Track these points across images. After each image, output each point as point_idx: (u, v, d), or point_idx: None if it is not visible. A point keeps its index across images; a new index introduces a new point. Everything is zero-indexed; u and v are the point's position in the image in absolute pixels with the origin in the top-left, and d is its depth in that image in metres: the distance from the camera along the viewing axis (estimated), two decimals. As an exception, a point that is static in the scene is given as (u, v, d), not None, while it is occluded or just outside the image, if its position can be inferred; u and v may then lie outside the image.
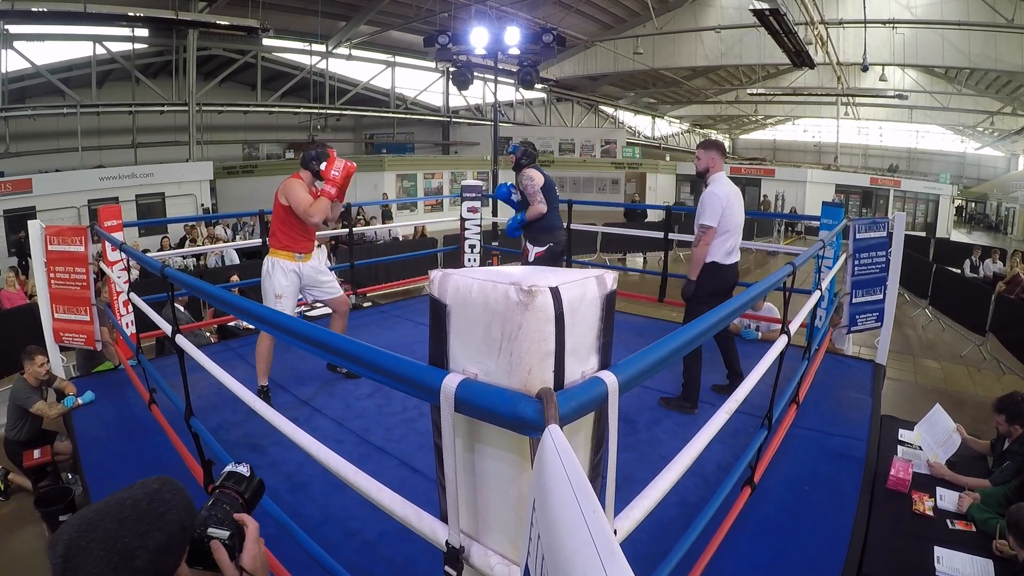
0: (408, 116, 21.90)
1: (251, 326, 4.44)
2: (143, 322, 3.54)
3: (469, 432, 1.04)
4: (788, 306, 2.55)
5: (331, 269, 4.18)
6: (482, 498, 1.06)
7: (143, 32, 14.73)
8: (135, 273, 7.08)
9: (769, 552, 2.23)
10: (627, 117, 29.91)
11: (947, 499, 2.63)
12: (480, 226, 5.94)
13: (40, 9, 11.98)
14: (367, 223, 13.78)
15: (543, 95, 24.30)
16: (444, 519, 1.16)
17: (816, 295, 3.08)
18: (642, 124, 30.89)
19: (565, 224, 4.85)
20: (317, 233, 3.54)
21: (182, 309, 5.55)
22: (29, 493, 3.86)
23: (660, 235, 5.64)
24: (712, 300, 2.95)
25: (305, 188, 3.31)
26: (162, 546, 0.72)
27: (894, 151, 29.18)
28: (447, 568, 1.09)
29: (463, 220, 5.89)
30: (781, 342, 2.28)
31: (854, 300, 4.22)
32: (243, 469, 1.12)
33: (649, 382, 3.42)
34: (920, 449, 3.04)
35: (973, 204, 28.65)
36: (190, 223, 12.48)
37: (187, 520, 0.78)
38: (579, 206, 5.78)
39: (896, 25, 15.60)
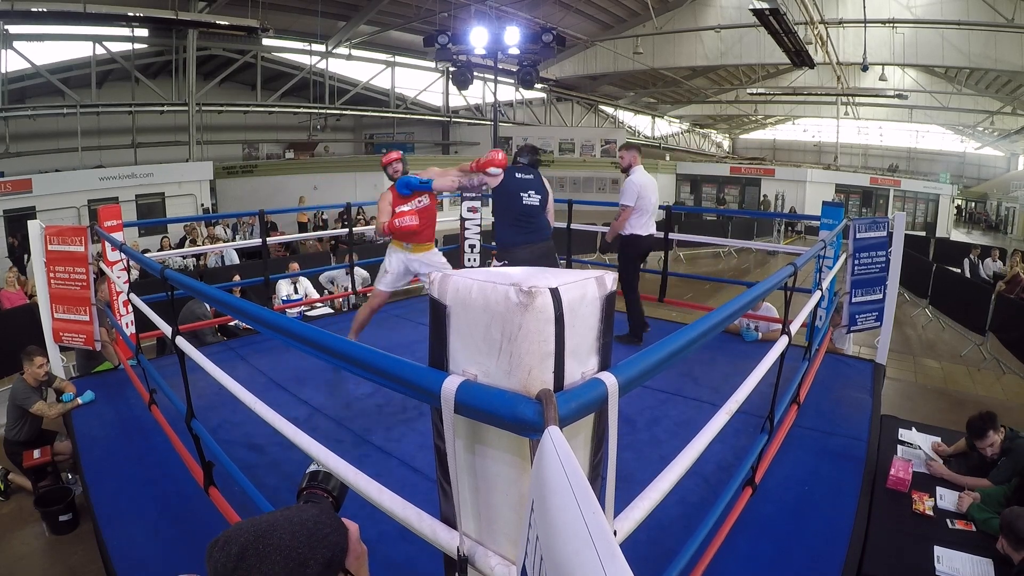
0: (408, 116, 21.87)
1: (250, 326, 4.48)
2: (143, 322, 3.54)
3: (470, 434, 1.04)
4: (789, 306, 2.55)
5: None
6: (483, 499, 1.06)
7: (143, 32, 14.70)
8: (135, 273, 7.08)
9: (769, 552, 2.23)
10: (627, 117, 29.88)
11: (947, 499, 2.64)
12: (480, 226, 5.93)
13: (40, 9, 11.96)
14: (367, 223, 13.77)
15: (543, 95, 24.28)
16: (444, 520, 1.16)
17: (816, 295, 3.08)
18: (642, 124, 30.87)
19: (565, 230, 5.03)
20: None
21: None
22: (29, 493, 3.85)
23: (660, 235, 5.63)
24: (636, 260, 4.58)
25: (389, 199, 3.87)
26: (328, 561, 0.77)
27: (894, 151, 29.15)
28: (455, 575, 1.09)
29: (463, 220, 5.88)
30: (782, 343, 2.28)
31: (854, 300, 4.22)
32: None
33: (649, 382, 3.41)
34: (920, 449, 3.04)
35: (973, 204, 28.63)
36: (190, 223, 12.47)
37: (344, 543, 0.82)
38: (579, 206, 5.77)
39: (896, 25, 15.59)
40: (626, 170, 4.41)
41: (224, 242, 11.62)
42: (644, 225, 4.44)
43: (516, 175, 3.79)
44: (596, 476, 1.10)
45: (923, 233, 17.86)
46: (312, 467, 1.08)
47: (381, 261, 3.77)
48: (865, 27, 15.50)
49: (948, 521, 2.49)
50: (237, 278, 7.16)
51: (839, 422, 3.30)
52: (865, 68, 16.08)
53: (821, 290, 3.24)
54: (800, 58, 15.09)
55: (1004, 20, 13.72)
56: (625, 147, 4.48)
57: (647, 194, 4.38)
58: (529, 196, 3.79)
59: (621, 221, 4.39)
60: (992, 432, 2.84)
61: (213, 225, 13.10)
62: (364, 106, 20.59)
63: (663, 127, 32.06)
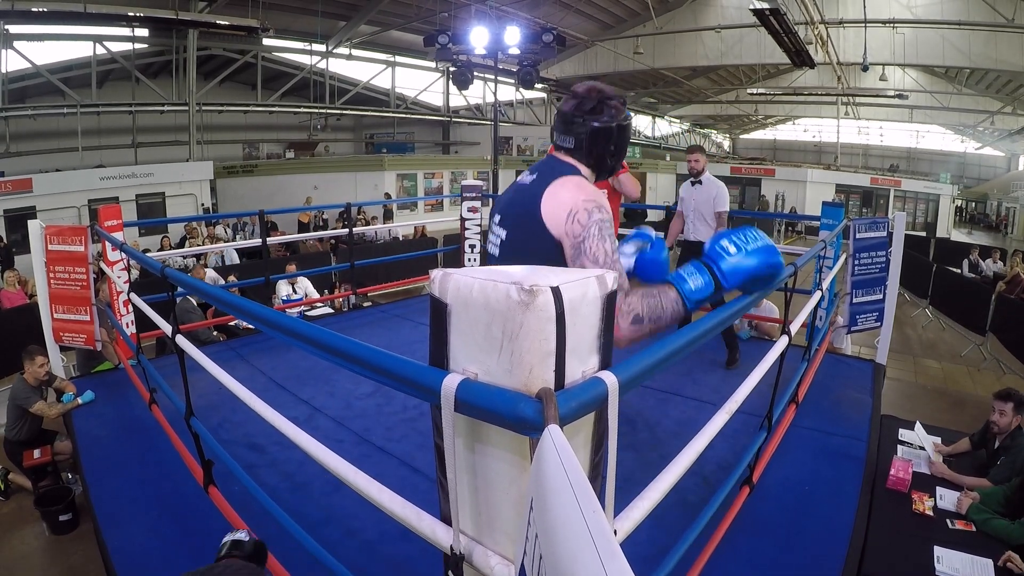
0: (408, 116, 21.87)
1: (251, 325, 4.48)
2: (143, 322, 3.54)
3: (470, 432, 1.04)
4: (789, 306, 2.55)
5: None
6: (483, 498, 1.06)
7: (143, 32, 14.70)
8: (135, 273, 7.07)
9: (769, 552, 2.23)
10: (627, 117, 29.84)
11: (947, 499, 2.64)
12: (480, 226, 5.93)
13: (40, 9, 11.95)
14: (367, 223, 13.78)
15: (543, 95, 24.26)
16: (444, 519, 1.16)
17: (817, 295, 3.08)
18: (642, 124, 30.86)
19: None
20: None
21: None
22: (29, 493, 3.85)
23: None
24: None
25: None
26: None
27: (894, 151, 29.14)
28: (449, 573, 1.09)
29: (463, 220, 5.88)
30: (782, 343, 2.28)
31: (854, 300, 4.22)
32: (241, 535, 1.26)
33: (649, 382, 3.42)
34: (921, 449, 3.04)
35: (973, 204, 28.62)
36: (190, 223, 12.47)
37: None
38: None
39: (896, 25, 15.58)
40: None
41: (224, 242, 11.62)
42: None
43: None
44: (596, 475, 1.10)
45: (923, 233, 17.85)
46: (231, 536, 1.22)
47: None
48: (865, 27, 15.49)
49: (948, 521, 2.49)
50: (233, 278, 7.15)
51: (839, 422, 3.29)
52: (865, 68, 16.06)
53: (821, 290, 3.24)
54: (800, 58, 15.08)
55: (1004, 20, 13.71)
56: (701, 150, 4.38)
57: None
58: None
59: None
60: (1014, 405, 2.84)
61: (213, 225, 13.10)
62: (364, 106, 20.59)
63: (663, 127, 32.07)
